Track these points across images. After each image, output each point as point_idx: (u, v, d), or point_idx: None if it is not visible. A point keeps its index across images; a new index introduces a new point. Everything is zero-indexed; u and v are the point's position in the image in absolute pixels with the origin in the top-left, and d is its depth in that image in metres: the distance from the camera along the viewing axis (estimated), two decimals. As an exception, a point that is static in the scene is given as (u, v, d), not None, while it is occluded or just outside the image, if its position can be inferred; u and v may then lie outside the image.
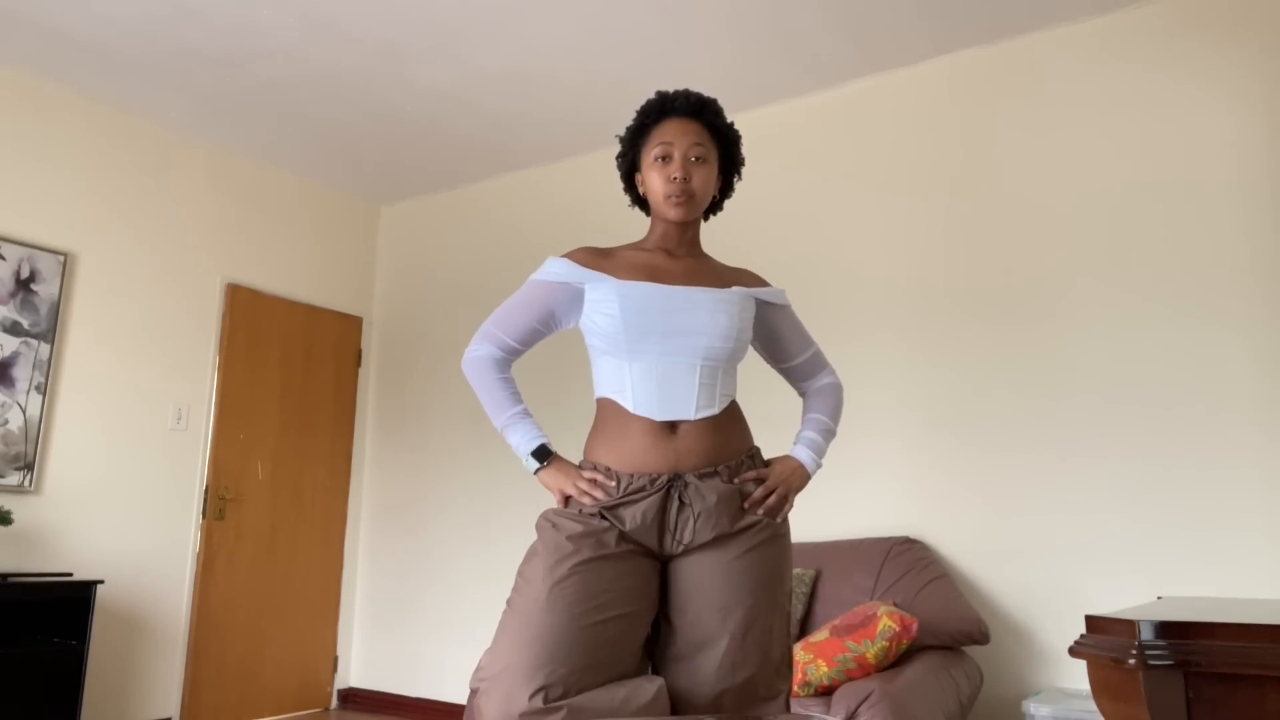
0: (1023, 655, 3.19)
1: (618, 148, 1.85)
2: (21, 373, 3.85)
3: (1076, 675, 3.07)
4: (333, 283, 5.25)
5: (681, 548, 1.63)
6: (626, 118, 3.92)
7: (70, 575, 3.71)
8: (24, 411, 3.84)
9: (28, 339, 3.89)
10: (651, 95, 1.80)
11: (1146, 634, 1.04)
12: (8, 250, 3.87)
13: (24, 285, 3.90)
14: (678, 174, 1.70)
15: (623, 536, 1.61)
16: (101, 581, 3.73)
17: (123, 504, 4.16)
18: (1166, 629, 1.04)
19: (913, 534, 3.46)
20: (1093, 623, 1.13)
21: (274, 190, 4.99)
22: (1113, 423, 3.15)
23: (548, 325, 1.77)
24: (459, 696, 4.56)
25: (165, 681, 4.24)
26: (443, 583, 4.79)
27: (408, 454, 5.10)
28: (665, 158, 1.72)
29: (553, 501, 1.60)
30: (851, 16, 3.46)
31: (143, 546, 4.21)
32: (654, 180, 1.74)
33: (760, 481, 1.68)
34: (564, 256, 1.75)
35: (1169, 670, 1.01)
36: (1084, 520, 3.15)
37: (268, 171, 4.97)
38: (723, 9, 3.43)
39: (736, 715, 1.57)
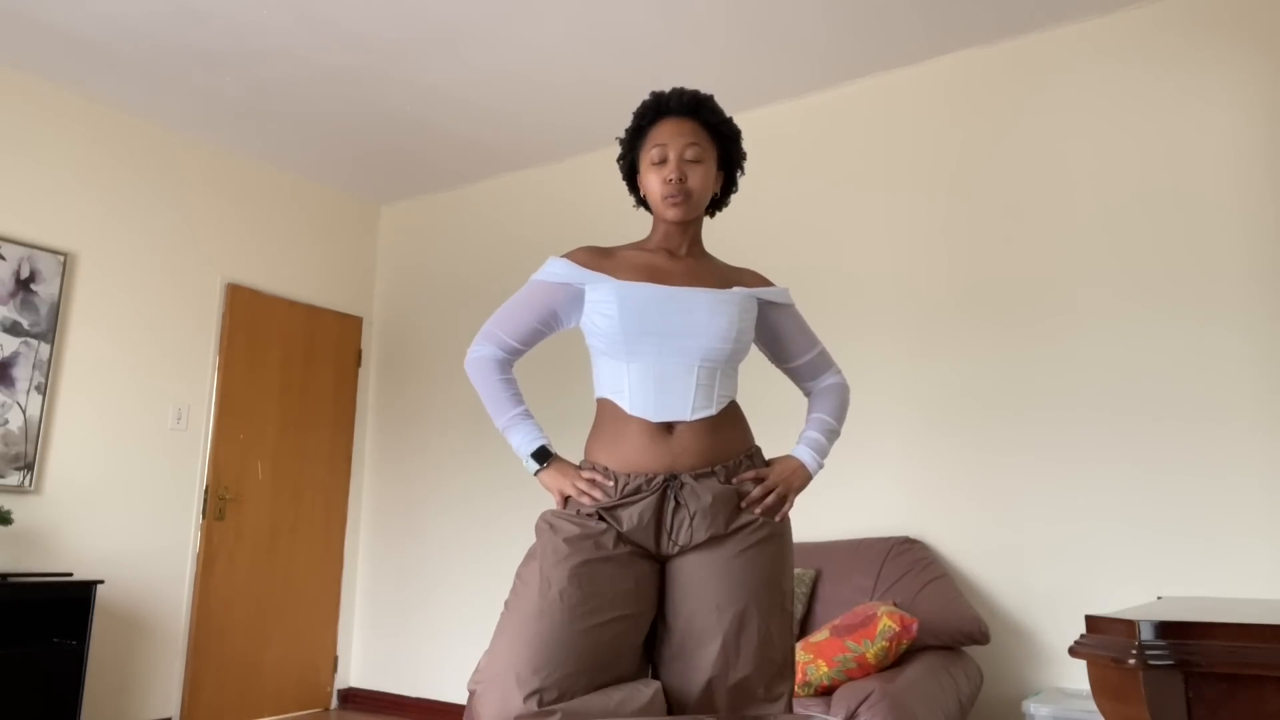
0: (1023, 655, 3.18)
1: (618, 148, 1.85)
2: (21, 373, 3.85)
3: (1076, 675, 3.07)
4: (333, 283, 5.25)
5: (677, 548, 1.62)
6: (626, 117, 3.90)
7: (70, 575, 3.71)
8: (24, 411, 3.84)
9: (28, 339, 3.89)
10: (650, 95, 1.79)
11: (1146, 634, 1.04)
12: (8, 250, 3.87)
13: (24, 285, 3.90)
14: (673, 175, 1.70)
15: (620, 538, 1.61)
16: (101, 581, 3.73)
17: (123, 504, 4.16)
18: (1166, 629, 1.04)
19: (913, 534, 3.45)
20: (1093, 623, 1.13)
21: (274, 190, 4.99)
22: (1113, 422, 3.15)
23: (549, 325, 1.77)
24: (459, 696, 4.56)
25: (165, 681, 4.24)
26: (443, 583, 4.79)
27: (408, 454, 5.10)
28: (661, 160, 1.72)
29: (553, 503, 1.60)
30: (851, 16, 3.46)
31: (143, 546, 4.21)
32: (651, 182, 1.74)
33: (759, 481, 1.67)
34: (565, 256, 1.75)
35: (1169, 670, 1.01)
36: (1084, 520, 3.15)
37: (268, 171, 4.97)
38: (723, 9, 3.43)
39: (736, 715, 1.57)
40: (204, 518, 4.44)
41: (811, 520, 3.62)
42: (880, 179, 3.80)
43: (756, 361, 2.05)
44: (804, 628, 3.20)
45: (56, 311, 3.99)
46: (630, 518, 1.60)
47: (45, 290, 3.97)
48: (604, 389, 1.71)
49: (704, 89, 1.82)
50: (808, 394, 1.88)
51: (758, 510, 1.65)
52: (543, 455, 1.72)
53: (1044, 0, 3.34)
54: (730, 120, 1.79)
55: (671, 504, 1.61)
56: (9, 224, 3.90)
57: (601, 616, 1.54)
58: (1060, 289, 3.32)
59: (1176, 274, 3.12)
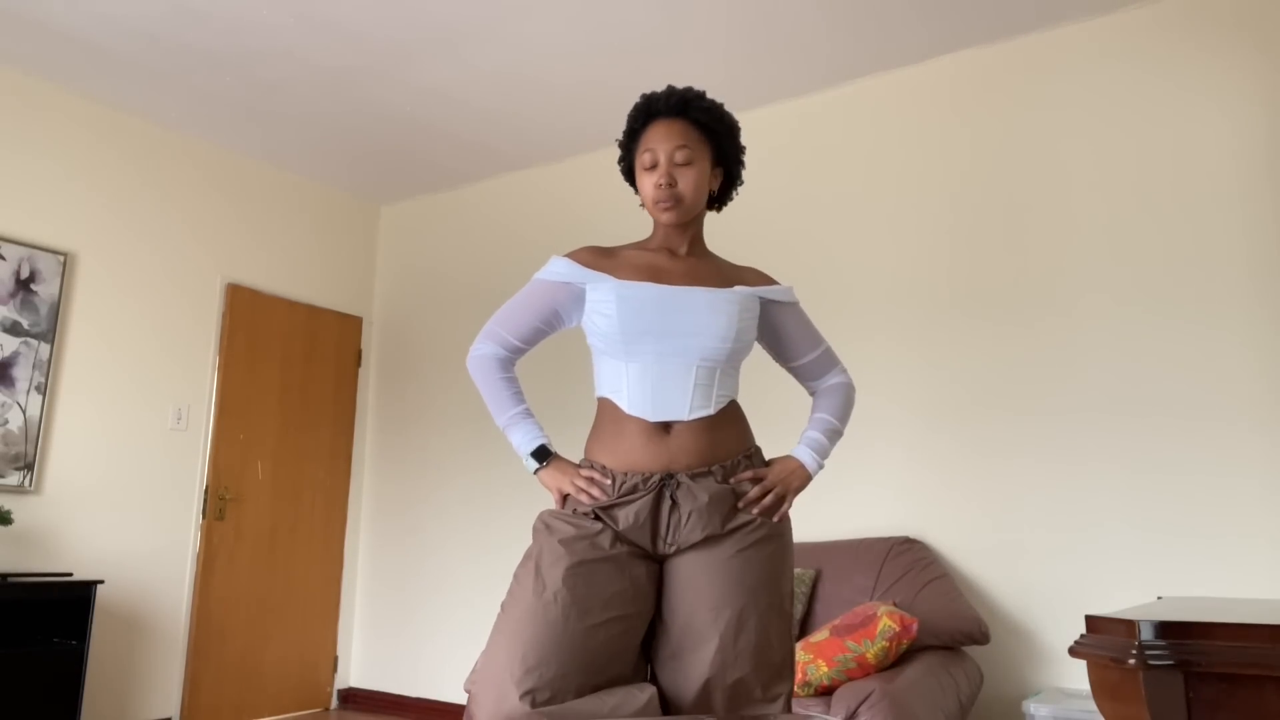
0: (1023, 655, 3.18)
1: (618, 149, 1.84)
2: (21, 373, 3.85)
3: (1076, 675, 3.07)
4: (333, 283, 5.25)
5: (673, 548, 1.62)
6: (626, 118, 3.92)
7: (70, 575, 3.71)
8: (24, 411, 3.84)
9: (28, 339, 3.89)
10: (640, 97, 1.77)
11: (1146, 634, 1.04)
12: (8, 250, 3.87)
13: (24, 285, 3.90)
14: (662, 180, 1.68)
15: (618, 538, 1.61)
16: (101, 581, 3.73)
17: (123, 504, 4.16)
18: (1166, 629, 1.03)
19: (913, 534, 3.45)
20: (1093, 623, 1.13)
21: (274, 190, 4.99)
22: (1113, 423, 3.15)
23: (551, 324, 1.77)
24: (459, 696, 4.56)
25: (165, 681, 4.24)
26: (443, 583, 4.79)
27: (408, 454, 5.10)
28: (652, 165, 1.70)
29: (551, 503, 1.60)
30: (852, 16, 3.46)
31: (143, 546, 4.21)
32: (644, 186, 1.73)
33: (757, 481, 1.67)
34: (567, 256, 1.74)
35: (1169, 670, 1.01)
36: (1084, 520, 3.14)
37: (268, 171, 4.97)
38: (723, 9, 3.43)
39: (734, 716, 1.57)
40: (204, 518, 4.44)
41: (811, 520, 3.62)
42: (880, 179, 3.80)
43: (758, 361, 2.05)
44: (804, 628, 3.20)
45: (56, 311, 3.99)
46: (626, 517, 1.60)
47: (45, 290, 3.97)
48: (604, 388, 1.71)
49: (704, 89, 1.81)
50: (812, 393, 1.87)
51: (755, 510, 1.64)
52: (542, 454, 1.72)
53: (1044, 0, 3.33)
54: (722, 116, 1.75)
55: (667, 503, 1.61)
56: (9, 224, 3.90)
57: (597, 617, 1.54)
58: (1060, 289, 3.32)
59: (1177, 274, 3.12)
